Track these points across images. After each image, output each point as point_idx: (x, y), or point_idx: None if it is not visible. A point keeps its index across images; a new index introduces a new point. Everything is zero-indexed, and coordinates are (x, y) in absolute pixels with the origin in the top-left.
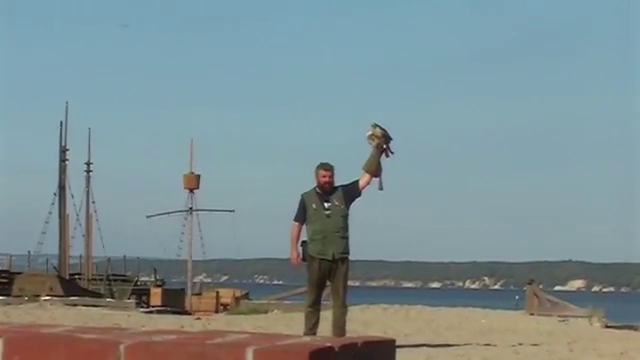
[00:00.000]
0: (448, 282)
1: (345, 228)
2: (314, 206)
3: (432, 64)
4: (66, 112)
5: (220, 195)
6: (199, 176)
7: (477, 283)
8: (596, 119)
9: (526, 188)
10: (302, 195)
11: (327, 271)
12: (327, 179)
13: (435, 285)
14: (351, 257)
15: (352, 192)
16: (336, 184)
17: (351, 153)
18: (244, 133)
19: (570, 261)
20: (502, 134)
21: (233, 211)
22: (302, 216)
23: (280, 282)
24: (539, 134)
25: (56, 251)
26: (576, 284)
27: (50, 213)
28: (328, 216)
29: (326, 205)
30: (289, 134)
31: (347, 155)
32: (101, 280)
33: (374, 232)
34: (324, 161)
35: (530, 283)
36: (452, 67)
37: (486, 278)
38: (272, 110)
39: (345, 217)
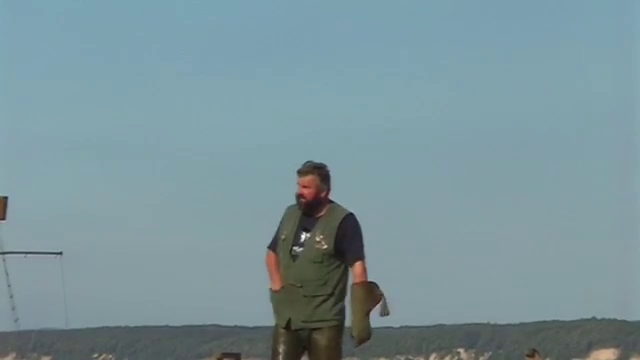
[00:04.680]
0: (402, 358)
1: (318, 282)
2: (284, 234)
3: None
4: None
5: (41, 229)
6: (6, 199)
7: (448, 358)
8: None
9: (522, 201)
10: (286, 209)
11: (294, 345)
12: (303, 191)
13: None
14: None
15: (344, 243)
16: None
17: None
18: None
19: (594, 319)
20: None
21: (60, 253)
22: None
23: None
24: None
25: None
26: (604, 355)
27: None
28: (294, 257)
29: (302, 237)
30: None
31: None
32: None
33: None
34: (310, 160)
35: (531, 355)
36: None
37: (461, 350)
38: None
39: (321, 264)
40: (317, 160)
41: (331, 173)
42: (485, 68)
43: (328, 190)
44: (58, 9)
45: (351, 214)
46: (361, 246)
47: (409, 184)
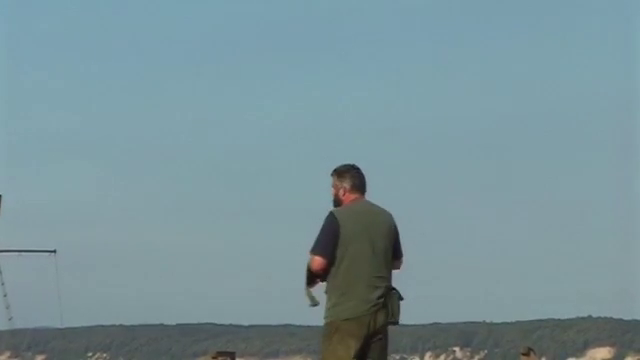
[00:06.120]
0: (397, 357)
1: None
2: None
3: None
4: None
5: (35, 228)
6: None
7: (443, 357)
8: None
9: (518, 199)
10: None
11: None
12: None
13: None
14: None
15: None
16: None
17: None
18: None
19: (590, 318)
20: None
21: (54, 252)
22: None
23: None
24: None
25: None
26: (600, 354)
27: None
28: None
29: None
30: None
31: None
32: None
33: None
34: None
35: (527, 354)
36: None
37: (457, 349)
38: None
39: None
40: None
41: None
42: (484, 67)
43: (347, 189)
44: (56, 8)
45: (330, 212)
46: (315, 240)
47: (405, 183)
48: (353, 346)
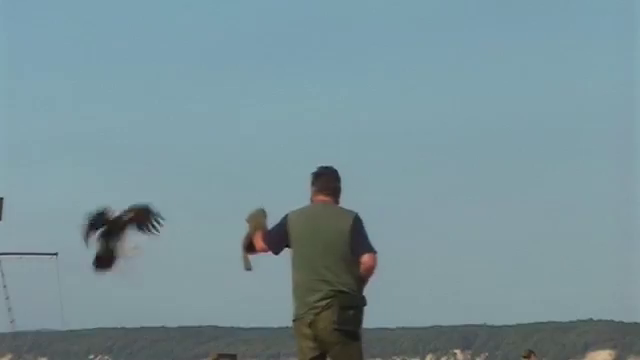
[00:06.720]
0: (398, 359)
1: None
2: None
3: None
4: None
5: (36, 230)
6: (1, 200)
7: (444, 359)
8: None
9: (519, 202)
10: None
11: None
12: None
13: None
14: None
15: None
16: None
17: None
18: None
19: (591, 321)
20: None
21: (56, 254)
22: None
23: None
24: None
25: None
26: (600, 356)
27: None
28: None
29: None
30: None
31: None
32: None
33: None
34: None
35: (527, 356)
36: None
37: (458, 351)
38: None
39: None
40: (322, 162)
41: (313, 176)
42: (483, 68)
43: (314, 191)
44: (57, 8)
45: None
46: None
47: (406, 185)
48: (305, 345)
